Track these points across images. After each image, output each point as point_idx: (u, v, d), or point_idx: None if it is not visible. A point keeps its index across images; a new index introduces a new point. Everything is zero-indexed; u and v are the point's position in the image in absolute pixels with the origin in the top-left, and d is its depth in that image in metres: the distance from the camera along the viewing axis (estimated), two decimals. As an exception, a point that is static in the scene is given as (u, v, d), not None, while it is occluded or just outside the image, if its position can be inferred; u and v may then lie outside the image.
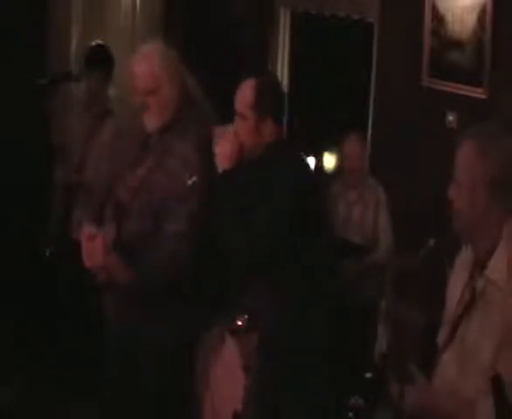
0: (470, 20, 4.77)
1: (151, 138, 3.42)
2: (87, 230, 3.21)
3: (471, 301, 2.42)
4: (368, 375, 2.63)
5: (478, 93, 4.78)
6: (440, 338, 2.56)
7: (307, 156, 5.35)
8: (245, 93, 3.29)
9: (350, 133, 4.98)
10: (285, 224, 3.16)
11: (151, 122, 3.33)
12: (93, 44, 5.08)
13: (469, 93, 4.85)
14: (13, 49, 5.41)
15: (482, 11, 4.69)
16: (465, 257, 2.55)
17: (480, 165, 2.37)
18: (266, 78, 3.49)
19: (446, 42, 4.96)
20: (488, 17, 4.66)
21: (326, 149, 6.08)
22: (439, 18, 4.97)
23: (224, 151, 3.28)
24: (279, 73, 6.35)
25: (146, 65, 3.28)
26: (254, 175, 3.30)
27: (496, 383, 2.10)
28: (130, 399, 3.35)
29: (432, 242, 2.50)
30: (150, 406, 3.35)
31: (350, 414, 2.54)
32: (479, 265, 2.45)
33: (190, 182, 3.27)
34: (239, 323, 4.09)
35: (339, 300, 4.22)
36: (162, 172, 3.29)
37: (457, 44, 4.89)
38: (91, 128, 4.86)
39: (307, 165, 3.53)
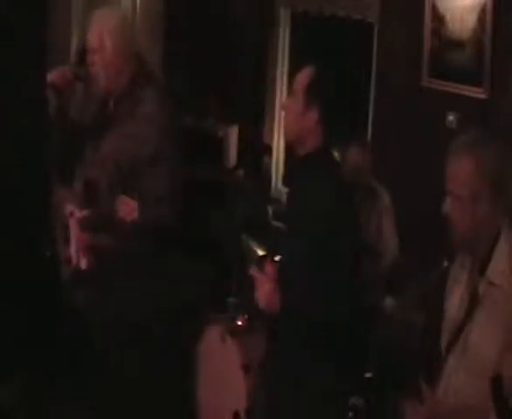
0: (470, 20, 4.77)
1: (107, 109, 3.44)
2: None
3: (472, 304, 2.41)
4: (368, 375, 2.63)
5: (478, 93, 4.78)
6: (443, 344, 2.55)
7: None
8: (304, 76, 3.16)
9: (352, 144, 4.84)
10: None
11: (99, 81, 3.50)
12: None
13: (469, 93, 4.84)
14: (13, 49, 5.40)
15: (482, 11, 4.69)
16: (462, 261, 2.54)
17: (481, 175, 2.37)
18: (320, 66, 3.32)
19: (446, 42, 4.95)
20: (488, 17, 4.65)
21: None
22: (439, 18, 4.96)
23: (265, 294, 2.98)
24: (278, 73, 6.36)
25: (96, 25, 3.60)
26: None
27: (496, 384, 2.10)
28: (123, 391, 3.35)
29: (445, 263, 2.51)
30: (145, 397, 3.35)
31: (350, 414, 2.55)
32: (478, 268, 2.44)
33: None
34: (239, 323, 4.10)
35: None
36: (128, 139, 3.29)
37: (457, 44, 4.88)
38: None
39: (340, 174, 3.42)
